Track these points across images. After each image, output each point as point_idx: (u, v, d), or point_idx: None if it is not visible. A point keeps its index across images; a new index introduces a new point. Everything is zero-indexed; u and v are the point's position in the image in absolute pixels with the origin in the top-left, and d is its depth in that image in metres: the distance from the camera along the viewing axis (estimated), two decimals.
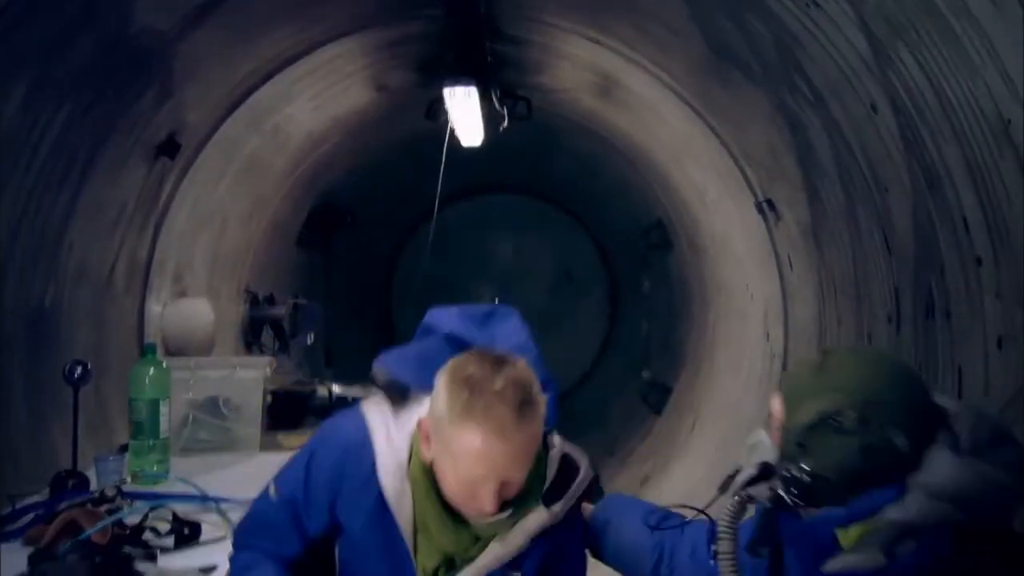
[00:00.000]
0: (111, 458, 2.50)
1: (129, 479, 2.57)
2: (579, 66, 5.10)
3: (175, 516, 2.13)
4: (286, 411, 3.89)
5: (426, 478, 1.69)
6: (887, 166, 2.75)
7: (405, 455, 1.73)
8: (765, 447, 1.51)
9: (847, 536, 1.35)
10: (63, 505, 2.16)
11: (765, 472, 1.46)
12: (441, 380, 1.64)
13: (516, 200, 9.34)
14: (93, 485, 2.41)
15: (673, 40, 4.04)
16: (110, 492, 2.27)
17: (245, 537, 1.89)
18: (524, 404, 1.60)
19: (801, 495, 1.39)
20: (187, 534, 2.11)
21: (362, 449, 1.74)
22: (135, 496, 2.32)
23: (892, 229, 2.83)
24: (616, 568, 1.98)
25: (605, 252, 9.33)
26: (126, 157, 3.52)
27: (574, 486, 1.77)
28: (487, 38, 4.76)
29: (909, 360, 2.74)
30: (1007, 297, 2.06)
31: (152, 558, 1.96)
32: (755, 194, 4.46)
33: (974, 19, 1.94)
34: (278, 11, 3.88)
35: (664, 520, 1.92)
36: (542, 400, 1.66)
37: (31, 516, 2.17)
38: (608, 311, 9.37)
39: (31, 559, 1.86)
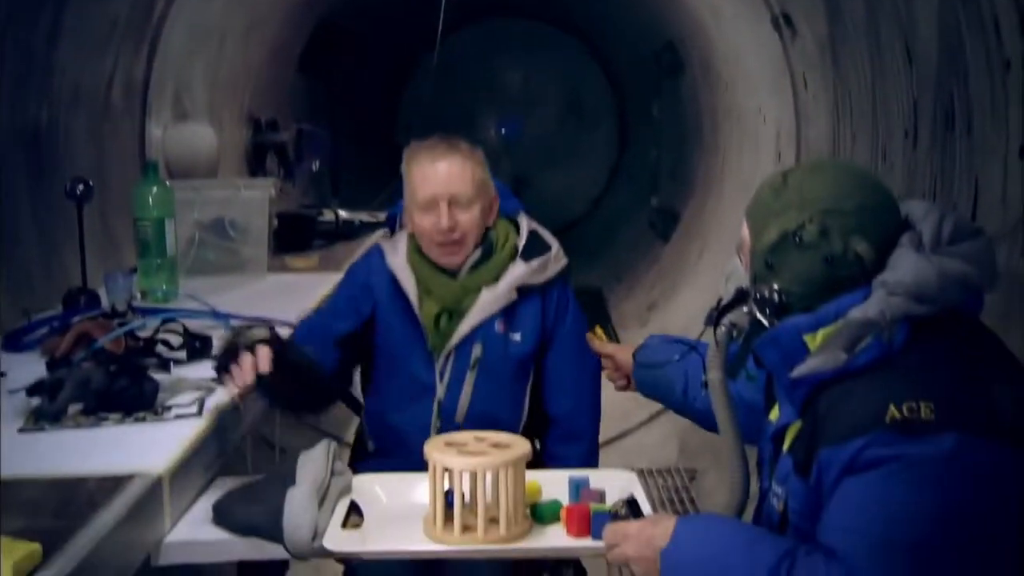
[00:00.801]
0: (121, 277, 2.50)
1: (139, 296, 2.60)
2: None
3: (186, 330, 2.16)
4: (293, 234, 3.90)
5: (416, 250, 2.22)
6: None
7: (404, 247, 2.26)
8: (739, 274, 1.52)
9: (814, 341, 1.37)
10: (76, 319, 2.19)
11: (740, 297, 1.49)
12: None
13: (523, 24, 9.01)
14: (104, 303, 2.43)
15: None
16: (121, 308, 2.30)
17: (303, 325, 2.31)
18: (453, 141, 2.19)
19: (773, 313, 1.41)
20: (199, 347, 2.15)
21: (378, 254, 2.30)
22: (146, 312, 2.35)
23: (915, 38, 2.71)
24: (658, 400, 2.10)
25: (614, 77, 9.08)
26: None
27: (546, 253, 2.22)
28: None
29: (925, 174, 2.69)
30: None
31: (166, 368, 2.00)
32: (771, 8, 4.28)
33: None
34: None
35: (691, 350, 1.97)
36: (477, 148, 2.20)
37: (46, 329, 2.21)
38: (617, 137, 9.21)
39: (49, 367, 1.90)
